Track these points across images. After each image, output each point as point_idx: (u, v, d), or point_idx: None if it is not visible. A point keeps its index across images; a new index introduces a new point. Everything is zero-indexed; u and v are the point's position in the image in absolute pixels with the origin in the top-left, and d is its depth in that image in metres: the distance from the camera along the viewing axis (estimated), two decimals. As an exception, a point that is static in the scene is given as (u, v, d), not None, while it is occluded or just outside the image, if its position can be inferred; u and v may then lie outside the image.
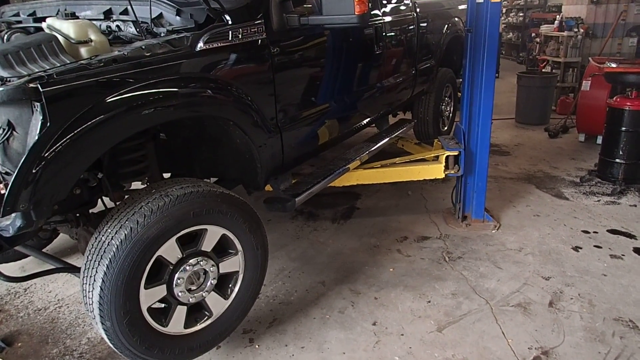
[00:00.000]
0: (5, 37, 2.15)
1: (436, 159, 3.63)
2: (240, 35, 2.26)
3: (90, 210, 2.32)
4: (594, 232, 3.53)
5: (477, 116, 3.41)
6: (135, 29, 2.28)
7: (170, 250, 2.02)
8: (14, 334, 2.60)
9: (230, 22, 2.23)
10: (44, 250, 2.98)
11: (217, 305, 2.28)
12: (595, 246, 3.33)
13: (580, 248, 3.31)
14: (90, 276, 1.90)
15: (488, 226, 3.60)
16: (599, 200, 4.07)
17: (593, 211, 3.87)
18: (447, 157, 3.54)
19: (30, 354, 2.45)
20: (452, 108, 5.30)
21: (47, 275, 2.48)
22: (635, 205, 3.97)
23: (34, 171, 1.62)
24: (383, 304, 2.75)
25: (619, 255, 3.21)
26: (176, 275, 2.07)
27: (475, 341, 2.44)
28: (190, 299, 2.15)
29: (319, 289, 2.92)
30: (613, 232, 3.53)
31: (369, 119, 3.66)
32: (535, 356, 2.34)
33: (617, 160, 4.34)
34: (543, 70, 7.22)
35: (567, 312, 2.65)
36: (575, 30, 7.16)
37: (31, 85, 1.58)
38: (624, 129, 4.28)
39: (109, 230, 1.91)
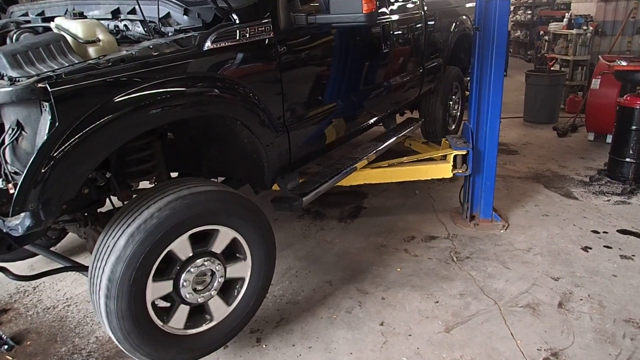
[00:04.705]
0: (14, 37, 2.15)
1: (444, 158, 3.61)
2: (247, 35, 2.25)
3: (99, 210, 2.33)
4: (604, 232, 3.49)
5: (486, 115, 3.39)
6: (143, 29, 2.28)
7: (181, 246, 2.03)
8: (23, 332, 2.62)
9: (237, 21, 2.22)
10: (52, 249, 3.00)
11: (219, 310, 2.27)
12: (605, 246, 3.30)
13: (590, 248, 3.28)
14: (98, 275, 1.90)
15: (496, 226, 3.57)
16: (608, 200, 4.03)
17: (603, 211, 3.83)
18: (455, 156, 3.52)
19: (39, 352, 2.46)
20: (460, 107, 5.27)
21: (56, 274, 2.50)
22: (646, 205, 3.93)
23: (42, 171, 1.63)
24: (390, 304, 2.74)
25: (630, 256, 3.18)
26: (183, 276, 2.07)
27: (483, 342, 2.42)
28: (199, 299, 2.15)
29: (326, 288, 2.91)
30: (623, 232, 3.49)
31: (376, 118, 3.64)
32: (544, 357, 2.32)
33: (628, 159, 4.30)
34: (552, 68, 7.16)
35: (576, 313, 2.62)
36: (585, 28, 7.09)
37: (40, 85, 1.59)
38: (634, 127, 4.24)
39: (117, 228, 1.91)
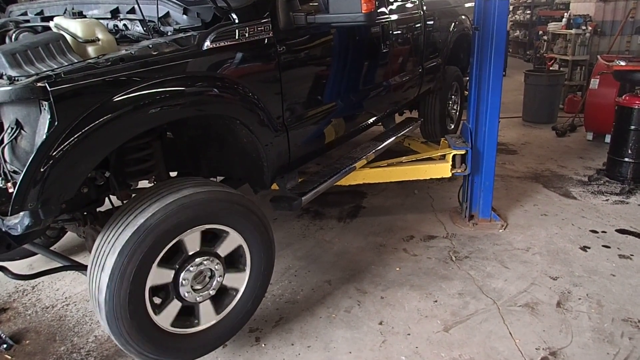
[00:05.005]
0: (13, 37, 2.16)
1: (443, 157, 3.61)
2: (246, 34, 2.26)
3: (98, 209, 2.33)
4: (603, 231, 3.50)
5: (485, 115, 3.39)
6: (143, 28, 2.28)
7: (191, 239, 2.06)
8: (22, 331, 2.62)
9: (237, 21, 2.23)
10: (51, 248, 3.00)
11: (207, 316, 2.25)
12: (603, 246, 3.30)
13: (589, 248, 3.29)
14: (97, 274, 1.91)
15: (495, 225, 3.58)
16: (607, 200, 4.04)
17: (601, 211, 3.83)
18: (454, 156, 3.53)
19: (38, 351, 2.47)
20: (458, 106, 5.28)
21: (55, 273, 2.51)
22: (644, 205, 3.94)
23: (42, 170, 1.63)
24: (389, 303, 2.75)
25: (628, 255, 3.18)
26: (182, 274, 2.07)
27: (482, 341, 2.43)
28: (197, 298, 2.16)
29: (325, 288, 2.91)
30: (622, 231, 3.50)
31: (375, 117, 3.65)
32: (542, 357, 2.32)
33: (626, 159, 4.31)
34: (551, 68, 7.16)
35: (575, 312, 2.63)
36: (584, 28, 7.10)
37: (39, 84, 1.59)
38: (633, 127, 4.25)
39: (116, 228, 1.92)
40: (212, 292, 2.20)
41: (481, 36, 3.30)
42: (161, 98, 1.91)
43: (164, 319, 2.08)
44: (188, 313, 2.19)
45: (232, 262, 2.30)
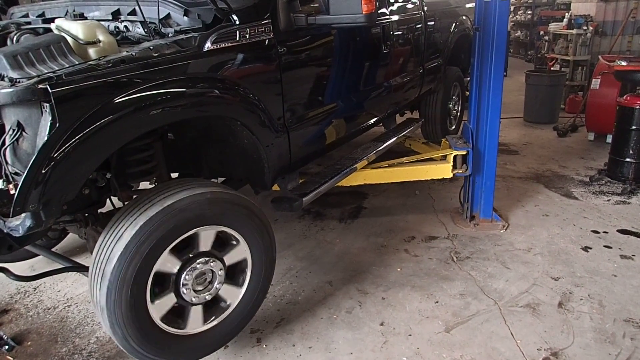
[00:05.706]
0: (14, 38, 2.16)
1: (444, 158, 3.62)
2: (247, 35, 2.26)
3: (99, 210, 2.33)
4: (604, 232, 3.49)
5: (485, 115, 3.39)
6: (143, 30, 2.29)
7: (167, 262, 2.01)
8: (23, 332, 2.62)
9: (237, 22, 2.23)
10: (53, 249, 3.01)
11: (231, 295, 2.29)
12: (605, 246, 3.30)
13: (590, 248, 3.28)
14: (99, 275, 1.91)
15: (496, 226, 3.57)
16: (608, 200, 4.04)
17: (603, 211, 3.83)
18: (455, 156, 3.53)
19: (40, 352, 2.47)
20: (459, 107, 5.27)
21: (57, 275, 2.50)
22: (646, 205, 3.93)
23: (43, 171, 1.63)
24: (390, 304, 2.74)
25: (630, 256, 3.18)
26: (181, 281, 2.08)
27: (483, 342, 2.43)
28: (207, 297, 2.17)
29: (327, 288, 2.91)
30: (623, 232, 3.49)
31: (376, 118, 3.65)
32: (544, 357, 2.32)
33: (628, 159, 4.31)
34: (552, 68, 7.16)
35: (576, 312, 2.62)
36: (585, 28, 7.10)
37: (40, 86, 1.59)
38: (634, 127, 4.25)
39: (118, 229, 1.92)
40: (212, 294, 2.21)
41: (482, 37, 3.30)
42: (162, 99, 1.91)
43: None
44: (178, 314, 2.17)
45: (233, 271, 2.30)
